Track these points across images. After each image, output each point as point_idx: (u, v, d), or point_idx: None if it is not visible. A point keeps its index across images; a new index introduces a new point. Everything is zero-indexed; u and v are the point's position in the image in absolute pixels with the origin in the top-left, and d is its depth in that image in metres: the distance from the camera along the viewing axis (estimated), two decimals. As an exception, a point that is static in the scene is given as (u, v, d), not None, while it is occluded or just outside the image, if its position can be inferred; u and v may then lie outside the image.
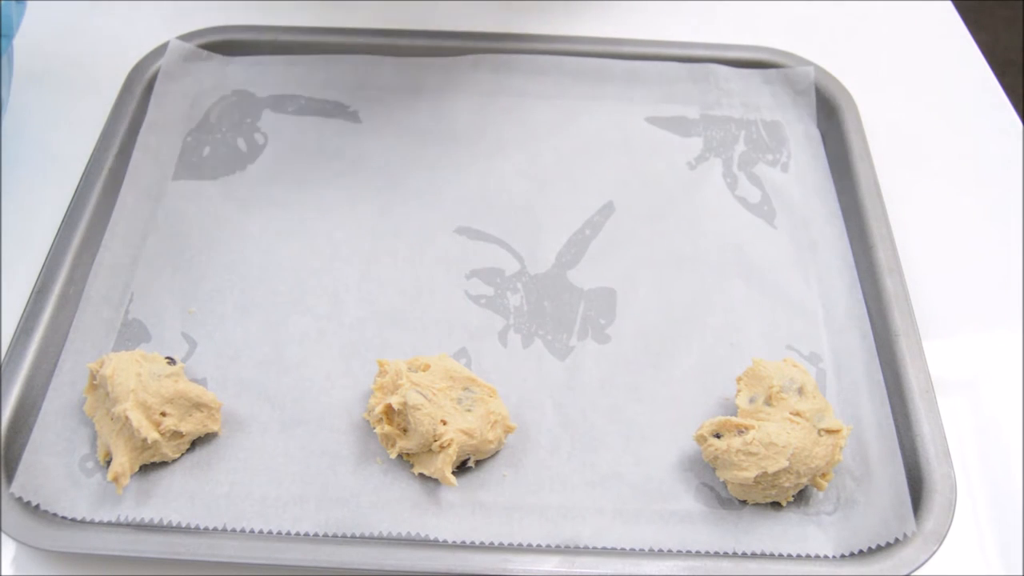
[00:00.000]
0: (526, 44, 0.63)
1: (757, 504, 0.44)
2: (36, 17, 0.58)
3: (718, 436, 0.43)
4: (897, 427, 0.46)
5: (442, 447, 0.42)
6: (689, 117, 0.61)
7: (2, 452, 0.43)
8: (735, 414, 0.45)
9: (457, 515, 0.43)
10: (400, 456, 0.44)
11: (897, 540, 0.42)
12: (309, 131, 0.59)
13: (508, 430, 0.45)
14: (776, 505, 0.44)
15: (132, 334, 0.49)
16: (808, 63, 0.63)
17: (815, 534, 0.43)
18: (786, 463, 0.41)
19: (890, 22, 0.70)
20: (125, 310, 0.50)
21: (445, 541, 0.42)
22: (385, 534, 0.42)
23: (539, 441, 0.46)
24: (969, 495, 0.46)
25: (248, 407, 0.46)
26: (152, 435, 0.42)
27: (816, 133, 0.61)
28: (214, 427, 0.45)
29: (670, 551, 0.42)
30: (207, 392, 0.44)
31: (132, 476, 0.43)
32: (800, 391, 0.44)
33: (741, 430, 0.43)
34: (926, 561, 0.41)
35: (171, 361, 0.45)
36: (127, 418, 0.42)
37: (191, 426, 0.44)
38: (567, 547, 0.42)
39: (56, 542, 0.41)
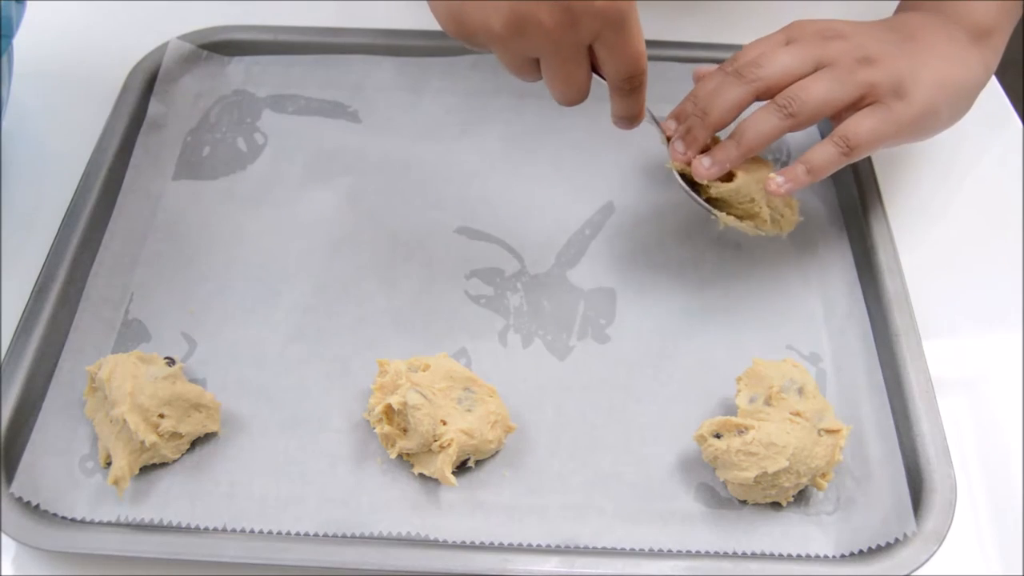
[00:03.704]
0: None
1: (757, 504, 0.44)
2: (36, 17, 0.58)
3: (718, 436, 0.43)
4: (897, 427, 0.46)
5: (442, 447, 0.42)
6: (689, 117, 0.61)
7: (2, 452, 0.43)
8: (735, 414, 0.45)
9: (457, 515, 0.43)
10: (400, 456, 0.44)
11: (897, 540, 0.42)
12: (309, 131, 0.59)
13: (508, 430, 0.45)
14: (776, 505, 0.44)
15: (132, 334, 0.49)
16: (808, 63, 0.62)
17: (815, 534, 0.43)
18: (786, 463, 0.41)
19: (890, 22, 0.70)
20: (125, 310, 0.50)
21: (445, 541, 0.42)
22: (385, 534, 0.42)
23: (539, 441, 0.46)
24: (969, 495, 0.46)
25: (248, 407, 0.46)
26: (150, 437, 0.42)
27: (816, 133, 0.60)
28: (213, 427, 0.45)
29: (670, 551, 0.42)
30: (205, 392, 0.44)
31: (132, 476, 0.43)
32: (800, 391, 0.44)
33: (741, 430, 0.43)
34: (926, 561, 0.41)
35: (170, 361, 0.45)
36: (125, 421, 0.42)
37: (190, 427, 0.44)
38: (567, 547, 0.42)
39: (56, 542, 0.41)
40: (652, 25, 0.66)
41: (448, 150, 0.59)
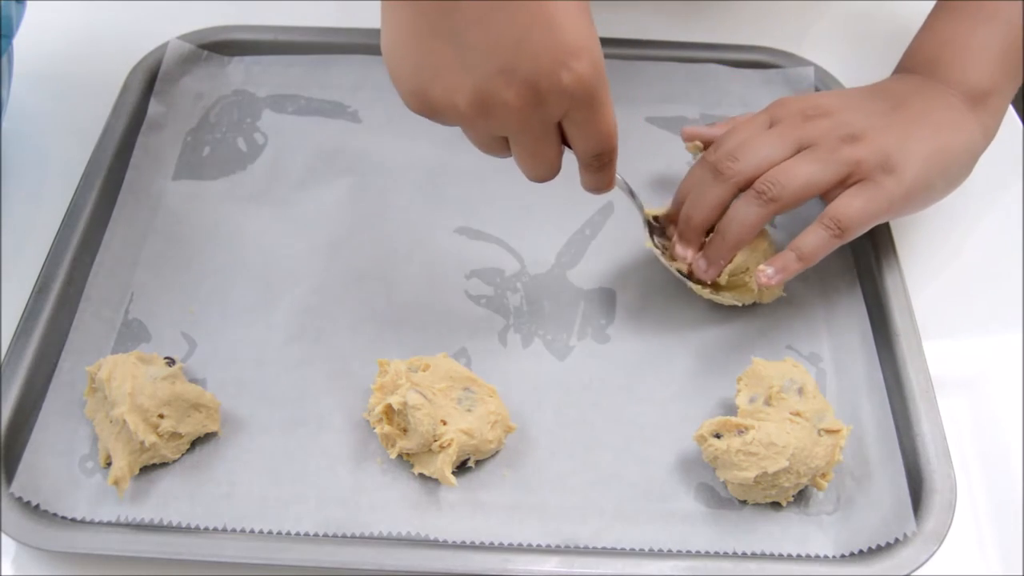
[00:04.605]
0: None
1: (757, 504, 0.44)
2: (36, 17, 0.58)
3: (718, 436, 0.43)
4: (897, 427, 0.46)
5: (442, 447, 0.42)
6: (689, 117, 0.61)
7: (2, 452, 0.43)
8: (735, 414, 0.45)
9: (457, 515, 0.43)
10: (400, 456, 0.44)
11: (897, 540, 0.42)
12: (309, 131, 0.59)
13: (508, 430, 0.45)
14: (776, 505, 0.44)
15: (132, 334, 0.49)
16: (808, 63, 0.63)
17: (815, 534, 0.43)
18: (786, 463, 0.41)
19: (890, 22, 0.70)
20: (125, 310, 0.50)
21: (445, 541, 0.42)
22: (385, 534, 0.42)
23: (539, 441, 0.46)
24: (969, 495, 0.46)
25: (248, 407, 0.46)
26: (150, 438, 0.42)
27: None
28: (213, 427, 0.45)
29: (670, 551, 0.42)
30: (205, 392, 0.44)
31: (132, 477, 0.43)
32: (800, 391, 0.44)
33: (741, 430, 0.43)
34: (926, 561, 0.41)
35: (170, 361, 0.45)
36: (124, 421, 0.42)
37: (190, 427, 0.44)
38: (567, 547, 0.42)
39: (56, 542, 0.41)
40: (653, 25, 0.67)
41: (448, 150, 0.59)
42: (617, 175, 0.44)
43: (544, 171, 0.41)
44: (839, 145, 0.46)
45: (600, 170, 0.42)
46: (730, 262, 0.48)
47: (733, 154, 0.47)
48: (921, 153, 0.46)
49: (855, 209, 0.45)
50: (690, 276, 0.50)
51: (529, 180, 0.42)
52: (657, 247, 0.50)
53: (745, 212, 0.46)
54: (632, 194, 0.49)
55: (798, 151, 0.47)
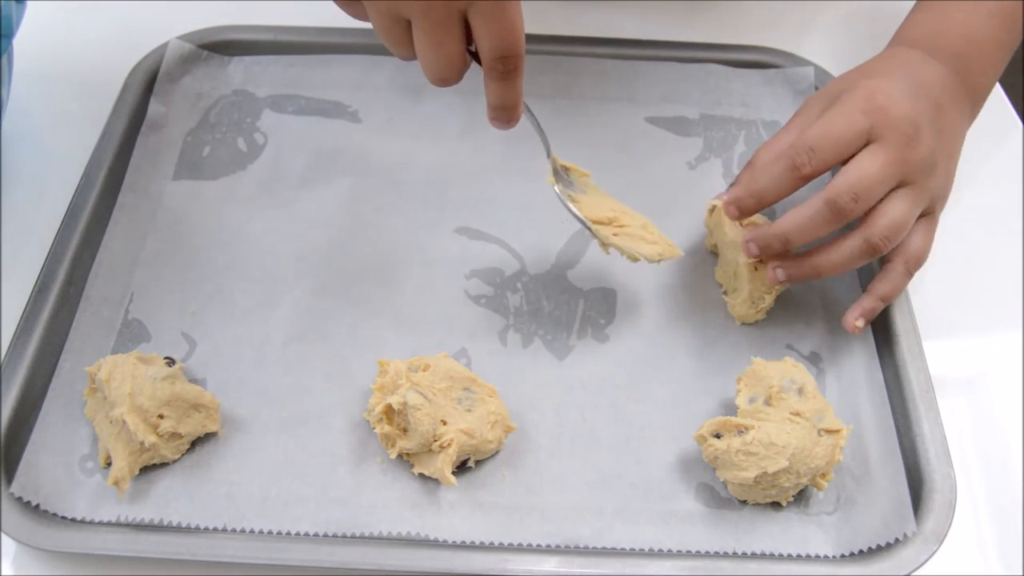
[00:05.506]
0: (526, 44, 0.62)
1: (757, 504, 0.44)
2: (36, 17, 0.58)
3: (718, 436, 0.43)
4: (897, 427, 0.46)
5: (442, 447, 0.42)
6: (689, 117, 0.61)
7: (2, 452, 0.43)
8: (735, 414, 0.45)
9: (457, 515, 0.43)
10: (400, 456, 0.44)
11: (897, 540, 0.42)
12: (309, 131, 0.59)
13: (508, 430, 0.45)
14: (776, 505, 0.44)
15: (132, 334, 0.49)
16: (808, 63, 0.63)
17: (815, 534, 0.43)
18: (786, 463, 0.41)
19: (890, 22, 0.70)
20: (125, 310, 0.50)
21: (445, 541, 0.42)
22: (385, 534, 0.42)
23: (539, 441, 0.46)
24: (969, 495, 0.46)
25: (248, 407, 0.46)
26: (150, 438, 0.42)
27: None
28: (213, 427, 0.45)
29: (670, 551, 0.42)
30: (205, 392, 0.44)
31: (132, 477, 0.43)
32: (800, 391, 0.44)
33: (741, 430, 0.43)
34: (926, 561, 0.41)
35: (170, 362, 0.45)
36: (124, 422, 0.42)
37: (190, 427, 0.44)
38: (567, 547, 0.42)
39: (56, 542, 0.41)
40: (652, 25, 0.67)
41: (448, 150, 0.59)
42: (528, 109, 0.44)
43: (443, 66, 0.41)
44: (926, 180, 0.47)
45: (505, 78, 0.41)
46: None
47: (856, 196, 0.45)
48: (951, 175, 0.50)
49: (924, 248, 0.49)
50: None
51: (430, 81, 0.42)
52: (560, 191, 0.48)
53: (850, 258, 0.47)
54: (540, 130, 0.47)
55: (899, 184, 0.47)
